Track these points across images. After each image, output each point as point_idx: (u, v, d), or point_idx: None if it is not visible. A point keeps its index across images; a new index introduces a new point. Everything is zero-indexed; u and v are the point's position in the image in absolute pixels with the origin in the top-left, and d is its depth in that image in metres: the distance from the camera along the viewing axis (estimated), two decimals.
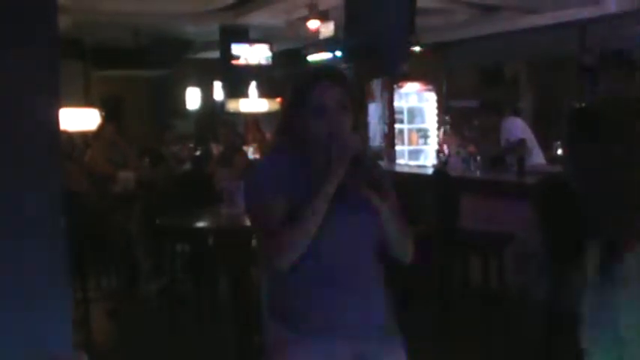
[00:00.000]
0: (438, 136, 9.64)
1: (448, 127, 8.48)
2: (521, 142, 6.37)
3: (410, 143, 10.13)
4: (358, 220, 1.97)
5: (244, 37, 12.04)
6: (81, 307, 5.00)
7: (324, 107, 1.95)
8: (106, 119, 7.94)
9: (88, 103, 11.42)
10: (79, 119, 8.42)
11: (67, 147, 5.97)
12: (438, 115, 10.27)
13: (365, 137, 9.91)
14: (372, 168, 1.94)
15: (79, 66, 12.36)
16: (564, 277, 4.39)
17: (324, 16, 9.97)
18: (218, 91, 14.27)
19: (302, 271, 1.94)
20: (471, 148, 6.92)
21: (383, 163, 8.56)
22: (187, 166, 8.15)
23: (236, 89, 12.59)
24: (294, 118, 2.01)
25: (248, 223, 4.37)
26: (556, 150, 7.85)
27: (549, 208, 4.28)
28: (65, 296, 2.10)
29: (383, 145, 9.90)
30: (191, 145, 10.35)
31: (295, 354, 1.97)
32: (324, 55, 11.47)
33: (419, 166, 8.52)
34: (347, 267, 1.97)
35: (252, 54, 12.10)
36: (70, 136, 6.47)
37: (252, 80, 12.83)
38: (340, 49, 10.34)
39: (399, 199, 2.05)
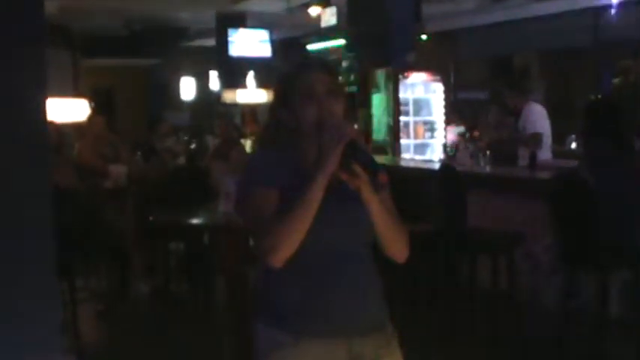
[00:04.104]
0: (445, 129, 9.63)
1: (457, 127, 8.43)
2: (536, 136, 6.35)
3: (416, 136, 10.09)
4: (353, 213, 1.97)
5: (242, 24, 12.03)
6: (68, 308, 4.99)
7: (312, 93, 1.98)
8: (96, 111, 7.93)
9: (76, 93, 11.41)
10: (67, 110, 8.39)
11: (54, 140, 5.95)
12: (446, 107, 10.25)
13: (369, 130, 9.90)
14: (366, 155, 1.93)
15: (67, 54, 12.34)
16: (577, 279, 4.39)
17: (326, 3, 9.96)
18: (214, 81, 14.27)
19: (295, 269, 1.93)
20: (475, 133, 6.93)
21: (387, 158, 8.55)
22: (182, 160, 8.14)
23: (233, 79, 12.58)
24: (282, 111, 2.03)
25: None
26: (569, 144, 7.85)
27: (563, 206, 4.28)
28: (52, 298, 2.09)
29: (387, 138, 9.89)
30: (185, 138, 10.34)
31: (290, 358, 1.97)
32: (326, 44, 11.46)
33: (425, 161, 8.50)
34: (343, 264, 1.97)
35: (250, 42, 12.08)
36: (58, 128, 6.45)
37: (249, 70, 12.82)
38: (343, 38, 10.32)
39: (394, 194, 2.06)
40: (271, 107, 2.10)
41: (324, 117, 1.95)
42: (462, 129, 8.11)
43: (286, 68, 2.10)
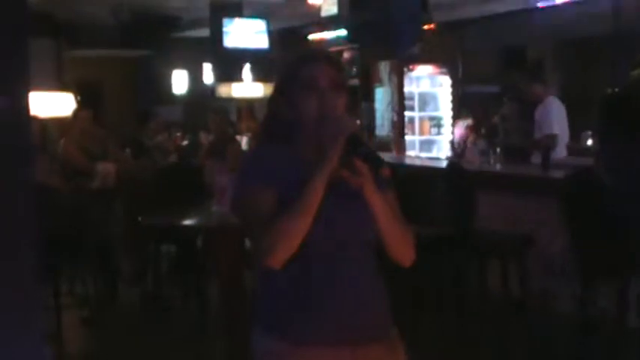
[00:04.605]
0: (452, 125, 9.64)
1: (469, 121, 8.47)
2: (551, 138, 6.34)
3: (421, 133, 10.12)
4: (355, 213, 1.97)
5: (238, 13, 12.01)
6: (52, 315, 4.99)
7: (314, 85, 1.98)
8: (82, 105, 7.92)
9: (61, 86, 11.39)
10: (51, 104, 8.39)
11: (38, 136, 5.95)
12: (453, 101, 10.25)
13: (372, 125, 9.90)
14: (368, 153, 1.94)
15: (51, 44, 12.31)
16: (594, 284, 4.38)
17: None
18: (208, 75, 14.25)
19: (295, 272, 1.94)
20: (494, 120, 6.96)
21: (391, 155, 8.56)
22: (173, 157, 8.13)
23: (228, 72, 12.56)
24: (282, 103, 2.04)
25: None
26: (585, 141, 7.85)
27: (577, 207, 4.27)
28: (34, 304, 2.08)
29: (391, 134, 9.89)
30: (178, 135, 10.34)
31: None
32: (327, 35, 11.45)
33: (431, 159, 8.51)
34: (344, 266, 1.97)
35: (247, 32, 12.06)
36: (42, 124, 6.45)
37: (246, 62, 12.81)
38: (344, 28, 10.31)
39: (398, 194, 2.06)
40: (271, 99, 2.10)
41: (326, 111, 1.96)
42: (470, 122, 8.12)
43: (288, 58, 2.11)
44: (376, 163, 1.91)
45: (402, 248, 2.05)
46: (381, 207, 1.96)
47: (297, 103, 2.00)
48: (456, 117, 9.21)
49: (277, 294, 1.99)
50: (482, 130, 7.51)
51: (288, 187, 1.92)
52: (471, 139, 8.01)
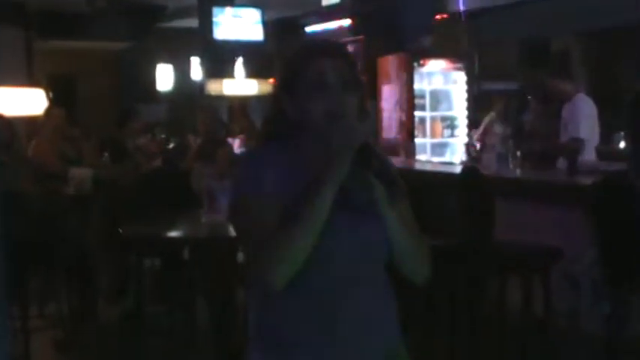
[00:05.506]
0: (467, 125, 9.64)
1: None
2: (578, 142, 6.32)
3: (433, 135, 10.11)
4: (365, 230, 1.97)
5: (229, 1, 12.05)
6: (20, 338, 4.97)
7: (324, 84, 1.96)
8: (55, 103, 7.93)
9: (31, 81, 11.41)
10: (20, 102, 8.40)
11: (5, 136, 5.96)
12: (469, 100, 10.24)
13: (378, 127, 9.90)
14: (382, 161, 1.92)
15: (21, 35, 12.34)
16: (626, 303, 4.38)
17: None
18: (196, 70, 14.29)
19: (297, 293, 1.93)
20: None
21: (399, 159, 8.55)
22: (158, 162, 8.14)
23: (218, 67, 12.60)
24: (287, 101, 2.02)
25: (233, 232, 4.37)
26: (617, 143, 7.85)
27: (608, 216, 4.27)
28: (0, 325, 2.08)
29: (399, 136, 9.90)
30: (162, 136, 10.36)
31: None
32: (328, 26, 11.47)
33: (444, 163, 8.51)
34: (352, 288, 1.97)
35: (239, 23, 12.10)
36: (9, 123, 6.45)
37: (238, 56, 12.85)
38: (348, 18, 10.35)
39: (414, 203, 2.05)
40: (274, 95, 2.09)
41: (336, 112, 1.94)
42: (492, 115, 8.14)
43: (295, 51, 2.08)
44: (390, 178, 1.90)
45: (418, 266, 2.06)
46: (396, 224, 1.96)
47: (302, 101, 1.98)
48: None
49: (279, 318, 1.98)
50: (509, 131, 7.50)
51: (291, 195, 1.91)
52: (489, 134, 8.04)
